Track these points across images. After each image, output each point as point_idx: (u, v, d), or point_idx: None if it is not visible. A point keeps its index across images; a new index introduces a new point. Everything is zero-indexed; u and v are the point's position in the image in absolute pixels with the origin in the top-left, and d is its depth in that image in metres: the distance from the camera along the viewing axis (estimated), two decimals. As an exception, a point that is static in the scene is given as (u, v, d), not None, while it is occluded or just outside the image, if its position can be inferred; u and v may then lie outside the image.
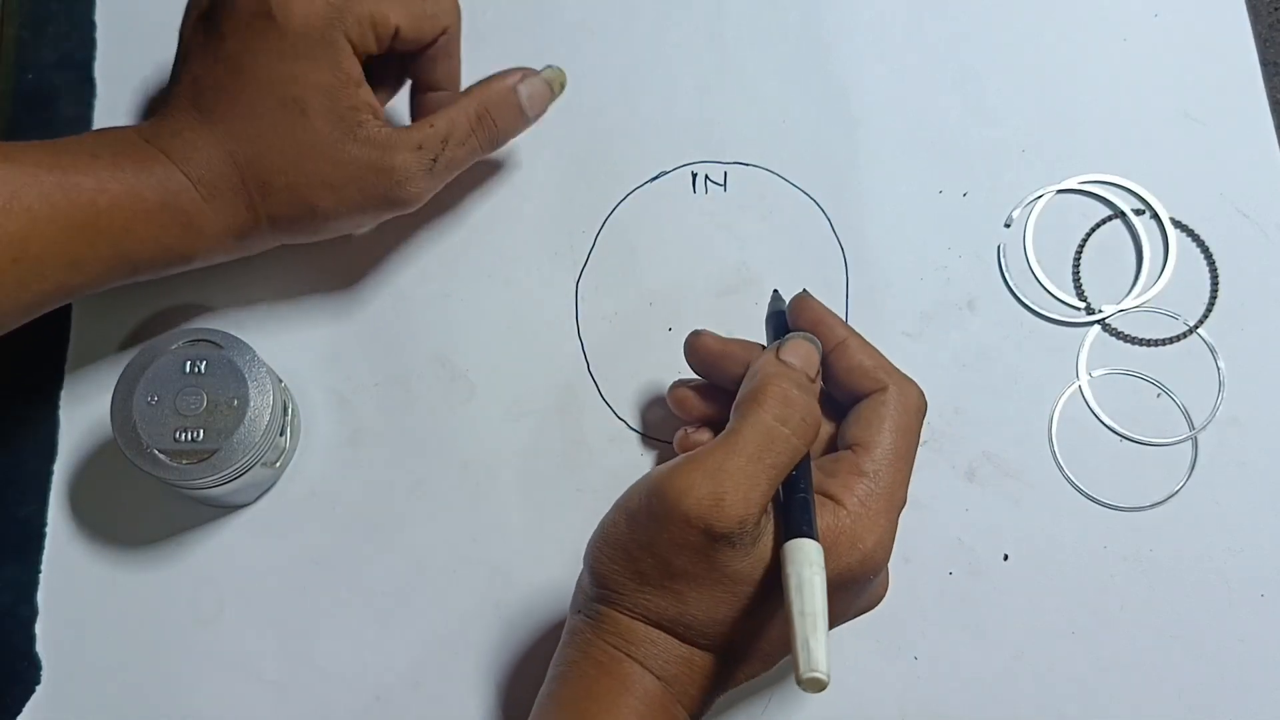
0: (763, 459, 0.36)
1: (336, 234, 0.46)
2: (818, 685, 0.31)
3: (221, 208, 0.43)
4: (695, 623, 0.37)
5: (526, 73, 0.47)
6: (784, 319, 0.43)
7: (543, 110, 0.47)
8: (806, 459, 0.38)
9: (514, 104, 0.46)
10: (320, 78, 0.42)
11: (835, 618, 0.38)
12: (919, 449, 0.47)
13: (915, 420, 0.40)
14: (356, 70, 0.43)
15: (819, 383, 0.41)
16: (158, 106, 0.47)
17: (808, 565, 0.34)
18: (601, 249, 0.50)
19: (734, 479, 0.35)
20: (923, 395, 0.41)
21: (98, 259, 0.42)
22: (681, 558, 0.36)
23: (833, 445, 0.42)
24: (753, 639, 0.37)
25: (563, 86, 0.48)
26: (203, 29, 0.44)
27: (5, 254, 0.40)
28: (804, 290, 0.43)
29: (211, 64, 0.43)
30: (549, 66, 0.48)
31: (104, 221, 0.41)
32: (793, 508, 0.36)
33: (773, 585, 0.36)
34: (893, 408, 0.39)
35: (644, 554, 0.37)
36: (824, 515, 0.37)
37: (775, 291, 0.45)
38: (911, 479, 0.47)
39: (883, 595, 0.41)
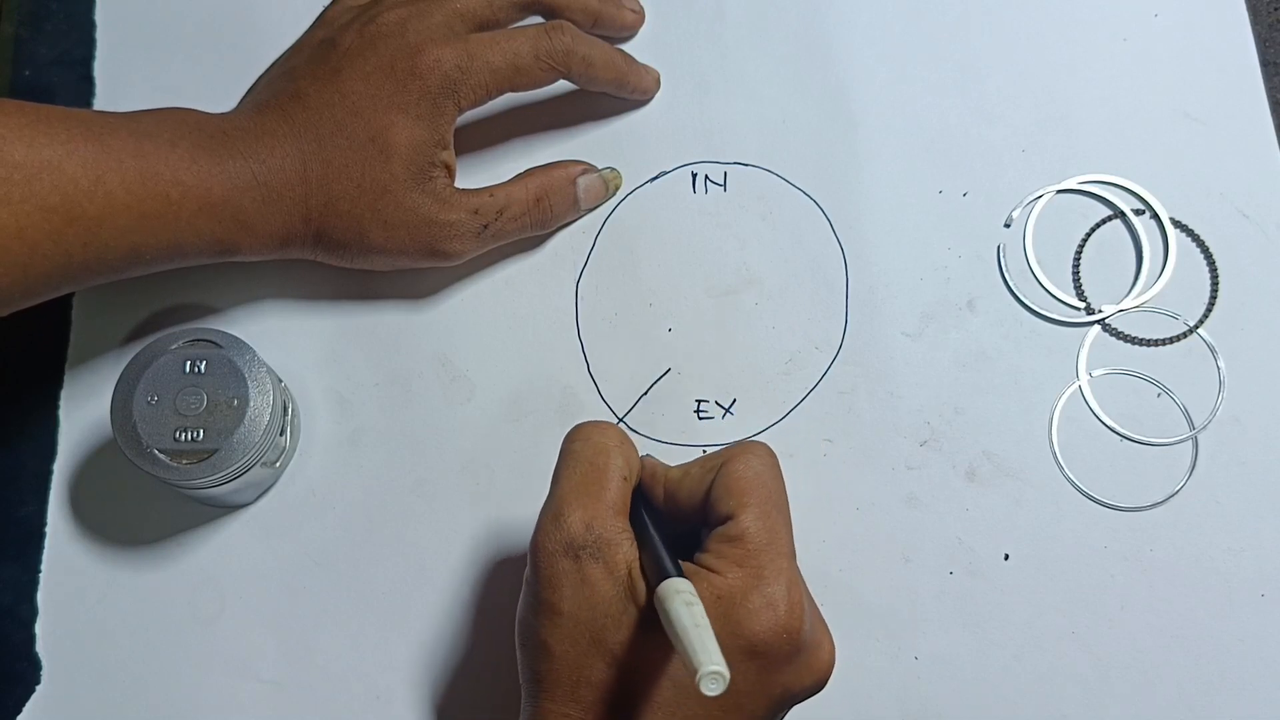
0: (593, 469, 0.38)
1: (370, 267, 0.47)
2: (719, 680, 0.30)
3: (277, 212, 0.44)
4: (597, 683, 0.36)
5: (588, 168, 0.50)
6: None
7: (595, 206, 0.51)
8: (641, 512, 0.39)
9: (571, 194, 0.49)
10: (416, 133, 0.45)
11: (777, 699, 0.37)
12: (921, 449, 0.47)
13: (765, 469, 0.39)
14: (449, 134, 0.46)
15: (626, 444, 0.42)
16: (250, 98, 0.49)
17: (674, 594, 0.33)
18: (601, 249, 0.50)
19: (572, 492, 0.38)
20: (763, 445, 0.40)
21: (156, 246, 0.43)
22: (558, 592, 0.36)
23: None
24: (653, 711, 0.36)
25: (617, 188, 0.51)
26: (321, 55, 0.46)
27: (78, 237, 0.41)
28: (647, 454, 0.44)
29: (320, 88, 0.45)
30: (609, 167, 0.51)
31: (172, 213, 0.42)
32: (647, 562, 0.37)
33: (659, 652, 0.36)
34: (736, 472, 0.38)
35: (535, 616, 0.37)
36: (713, 593, 0.36)
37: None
38: (912, 479, 0.47)
39: (828, 668, 0.38)
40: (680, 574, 0.35)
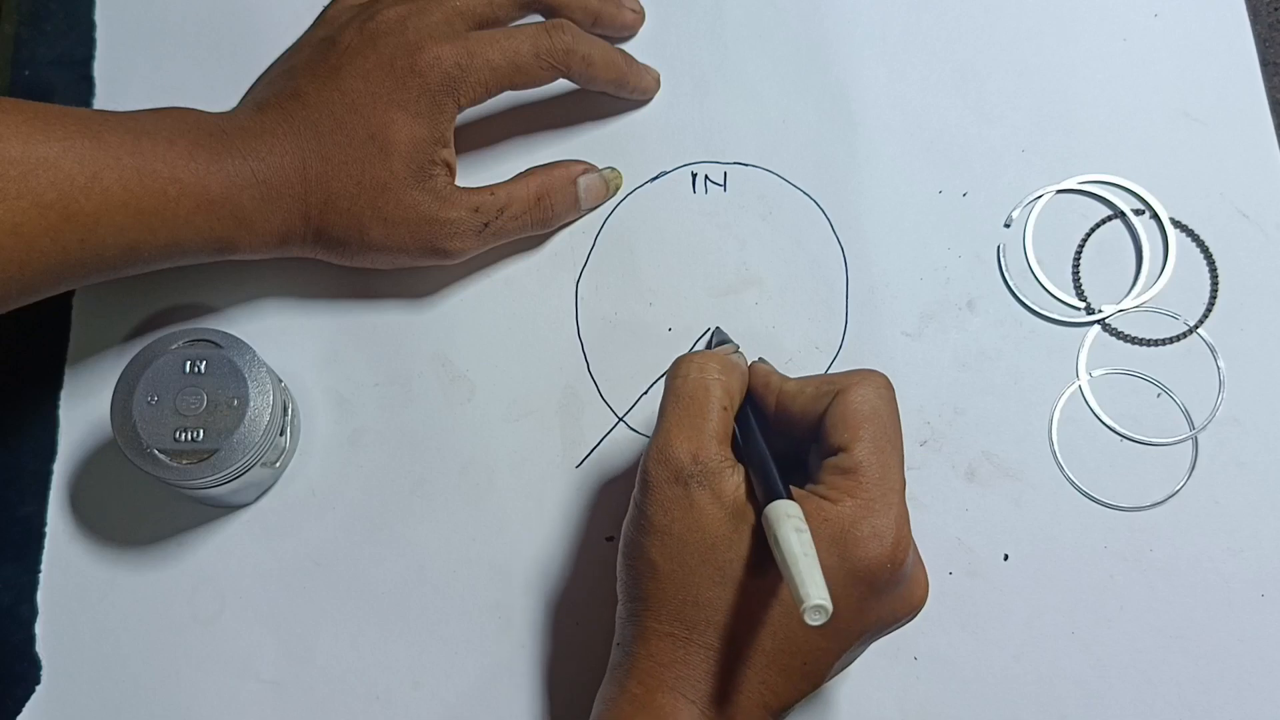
0: (694, 403, 0.39)
1: (370, 265, 0.47)
2: (822, 613, 0.32)
3: (276, 210, 0.44)
4: (704, 602, 0.37)
5: (589, 168, 0.50)
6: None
7: (596, 206, 0.51)
8: (752, 428, 0.40)
9: (572, 194, 0.49)
10: (416, 131, 0.45)
11: (872, 625, 0.38)
12: (921, 449, 0.47)
13: (882, 402, 0.39)
14: (449, 132, 0.46)
15: (740, 357, 0.44)
16: (250, 97, 0.49)
17: (783, 518, 0.35)
18: (601, 249, 0.50)
19: (676, 425, 0.39)
20: (880, 376, 0.40)
21: (154, 244, 0.43)
22: (668, 514, 0.38)
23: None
24: (757, 629, 0.37)
25: (618, 188, 0.51)
26: (321, 54, 0.46)
27: (75, 234, 0.41)
28: (760, 358, 0.44)
29: (320, 87, 0.45)
30: (609, 167, 0.51)
31: (169, 210, 0.42)
32: (756, 480, 0.38)
33: (767, 573, 0.37)
34: (853, 404, 0.39)
35: (645, 537, 0.38)
36: (822, 517, 0.37)
37: (718, 328, 0.48)
38: (912, 479, 0.47)
39: (921, 602, 0.39)
40: (789, 496, 0.36)
